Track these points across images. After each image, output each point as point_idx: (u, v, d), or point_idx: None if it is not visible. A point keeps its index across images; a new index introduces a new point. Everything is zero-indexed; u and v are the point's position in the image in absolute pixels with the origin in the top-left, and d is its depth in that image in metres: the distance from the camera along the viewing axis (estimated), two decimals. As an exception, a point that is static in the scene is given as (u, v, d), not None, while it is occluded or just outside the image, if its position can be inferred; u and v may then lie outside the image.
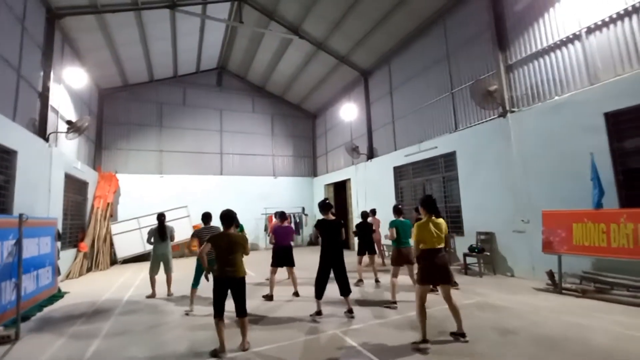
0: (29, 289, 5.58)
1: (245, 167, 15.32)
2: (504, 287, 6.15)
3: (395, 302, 5.07)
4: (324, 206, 4.97)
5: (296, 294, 5.94)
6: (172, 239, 6.59)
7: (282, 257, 6.06)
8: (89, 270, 9.75)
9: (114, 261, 11.11)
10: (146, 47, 11.20)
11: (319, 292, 4.67)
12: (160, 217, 6.55)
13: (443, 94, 9.14)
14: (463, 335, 3.61)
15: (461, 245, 8.03)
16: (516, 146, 6.97)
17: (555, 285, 5.72)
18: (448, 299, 3.71)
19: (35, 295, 5.76)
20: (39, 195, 7.25)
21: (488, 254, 7.27)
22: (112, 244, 11.14)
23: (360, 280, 6.81)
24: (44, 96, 7.68)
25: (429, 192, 9.63)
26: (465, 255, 7.43)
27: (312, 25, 11.16)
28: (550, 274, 5.85)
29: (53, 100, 8.19)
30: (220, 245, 3.71)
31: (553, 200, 6.19)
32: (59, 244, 7.46)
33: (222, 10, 11.04)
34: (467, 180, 8.16)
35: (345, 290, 4.74)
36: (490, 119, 7.65)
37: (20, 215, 4.44)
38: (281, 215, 6.38)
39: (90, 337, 4.21)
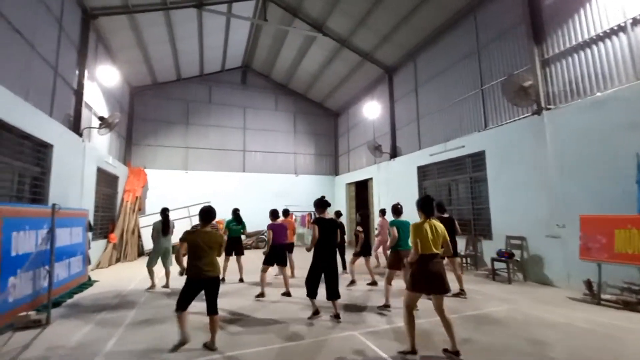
0: (61, 276, 5.87)
1: (267, 164, 15.46)
2: (535, 295, 5.78)
3: (388, 306, 4.87)
4: (320, 204, 4.66)
5: (288, 294, 5.74)
6: (173, 234, 6.68)
7: (277, 255, 5.85)
8: (117, 260, 10.16)
9: (141, 253, 11.53)
10: (174, 46, 11.51)
11: (311, 290, 4.47)
12: (165, 212, 6.63)
13: (472, 90, 8.75)
14: (457, 353, 3.18)
15: (489, 249, 7.66)
16: (552, 146, 6.54)
17: (593, 295, 5.31)
18: (440, 311, 3.33)
19: (66, 283, 6.05)
20: (73, 187, 7.61)
21: (518, 259, 6.88)
22: (139, 236, 11.58)
23: (353, 282, 6.58)
24: (78, 93, 8.05)
25: (455, 193, 9.28)
26: (493, 260, 7.07)
27: (336, 21, 11.04)
28: (588, 284, 5.44)
29: (87, 97, 8.57)
30: (196, 243, 3.53)
31: (592, 204, 5.74)
32: (90, 234, 7.83)
33: (247, 8, 11.16)
34: (496, 181, 7.77)
35: (334, 294, 4.47)
36: (524, 117, 7.23)
37: (53, 206, 4.65)
38: (273, 213, 6.17)
39: (115, 325, 4.33)
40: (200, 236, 3.57)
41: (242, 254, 7.23)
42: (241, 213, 7.44)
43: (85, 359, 3.35)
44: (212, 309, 3.56)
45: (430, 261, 3.31)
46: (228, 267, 7.19)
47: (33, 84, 6.18)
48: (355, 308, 5.06)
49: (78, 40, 8.14)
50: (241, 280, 7.01)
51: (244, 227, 7.41)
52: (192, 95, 14.53)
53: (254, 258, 8.99)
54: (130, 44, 10.45)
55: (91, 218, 8.34)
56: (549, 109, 6.73)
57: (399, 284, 5.82)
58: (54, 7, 6.93)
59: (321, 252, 4.50)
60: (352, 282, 6.59)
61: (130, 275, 7.95)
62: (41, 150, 6.39)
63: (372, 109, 12.69)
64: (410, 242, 3.42)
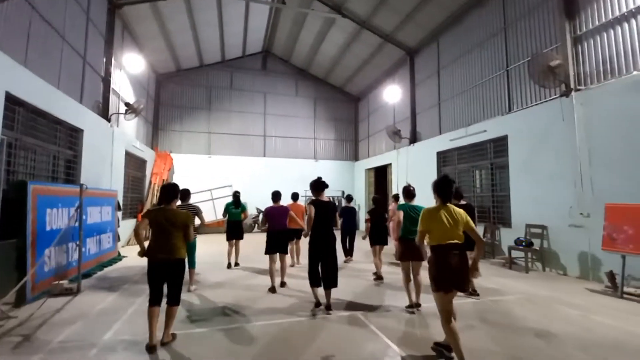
0: (92, 251, 6.40)
1: (287, 149, 15.64)
2: (552, 285, 5.58)
3: (412, 306, 4.22)
4: (316, 185, 4.29)
5: (283, 284, 5.30)
6: None
7: (275, 242, 5.28)
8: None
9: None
10: (196, 33, 11.75)
11: (313, 280, 4.18)
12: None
13: (497, 72, 8.29)
14: (449, 349, 2.84)
15: (507, 237, 7.41)
16: (581, 129, 6.11)
17: (616, 288, 5.05)
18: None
19: (97, 257, 6.60)
20: (103, 170, 8.15)
21: (537, 248, 6.63)
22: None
23: (380, 277, 5.83)
24: (106, 80, 8.50)
25: (476, 179, 8.97)
26: (510, 248, 6.86)
27: (356, 1, 10.73)
28: (611, 276, 5.18)
29: (115, 84, 9.03)
30: (156, 222, 3.20)
31: (623, 195, 5.32)
32: (119, 213, 8.39)
33: (266, -8, 11.11)
34: (519, 167, 7.42)
35: (330, 282, 4.12)
36: (551, 99, 6.78)
37: (81, 186, 5.04)
38: (275, 195, 5.59)
39: (136, 295, 4.72)
40: (164, 213, 3.24)
41: (242, 238, 7.01)
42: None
43: (108, 322, 3.71)
44: (172, 299, 3.18)
45: (448, 253, 2.79)
46: (232, 252, 6.93)
47: (64, 73, 6.60)
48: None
49: (105, 29, 8.52)
50: (237, 264, 6.90)
51: (243, 210, 7.12)
52: (214, 81, 14.85)
53: (251, 240, 8.68)
54: (155, 32, 10.78)
55: (121, 199, 8.91)
56: (579, 90, 6.27)
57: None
58: (81, -3, 7.27)
59: (316, 238, 4.16)
60: (379, 278, 5.84)
61: (155, 253, 8.47)
62: (73, 135, 6.88)
63: (392, 93, 12.38)
64: (418, 229, 2.96)
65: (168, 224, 3.19)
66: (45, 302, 4.13)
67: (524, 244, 6.60)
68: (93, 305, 4.30)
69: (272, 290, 5.05)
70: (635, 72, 5.45)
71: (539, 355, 3.04)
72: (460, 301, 4.56)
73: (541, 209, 6.78)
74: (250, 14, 12.00)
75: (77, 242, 5.10)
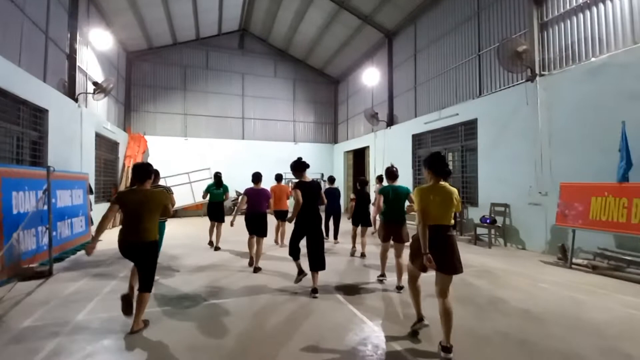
0: (64, 234, 6.29)
1: (266, 132, 15.52)
2: (510, 258, 6.04)
3: (383, 275, 4.57)
4: (298, 166, 4.17)
5: (256, 269, 5.12)
6: None
7: (255, 224, 5.24)
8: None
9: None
10: (168, 8, 11.21)
11: (292, 251, 4.15)
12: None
13: (469, 56, 8.50)
14: (447, 350, 2.50)
15: (474, 216, 7.85)
16: (543, 114, 6.46)
17: (566, 259, 5.53)
18: (442, 294, 2.66)
19: (70, 240, 6.49)
20: (72, 152, 7.87)
21: (500, 225, 7.08)
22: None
23: (352, 255, 6.27)
24: (71, 58, 8.07)
25: (449, 162, 9.32)
26: (475, 225, 7.29)
27: (334, -19, 10.55)
28: (562, 248, 5.66)
29: (81, 62, 8.59)
30: (127, 203, 3.00)
31: (579, 175, 5.72)
32: (91, 196, 8.20)
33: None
34: (486, 149, 7.77)
35: (317, 264, 4.01)
36: (517, 84, 7.08)
37: (48, 168, 4.91)
38: (255, 177, 5.52)
39: (110, 277, 4.74)
40: (136, 195, 3.05)
41: (223, 220, 6.76)
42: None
43: (81, 303, 3.75)
44: (142, 285, 3.04)
45: (436, 235, 2.66)
46: (213, 231, 6.84)
47: (24, 49, 6.23)
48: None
49: (68, 2, 8.01)
50: (217, 248, 6.69)
51: (225, 191, 6.98)
52: (189, 60, 14.34)
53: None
54: (123, 7, 10.21)
55: (92, 182, 8.68)
56: (543, 75, 6.57)
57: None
58: (39, -33, 6.78)
59: (303, 220, 4.07)
60: (352, 255, 6.30)
61: (131, 236, 8.38)
62: (37, 115, 6.58)
63: (371, 76, 12.43)
64: (418, 208, 2.76)
65: (140, 206, 3.00)
66: (15, 285, 4.11)
67: (488, 221, 7.03)
68: (66, 287, 4.30)
69: (251, 261, 5.34)
70: (593, 59, 5.77)
71: (486, 319, 3.34)
72: (424, 274, 4.86)
73: (505, 188, 7.19)
74: (225, -10, 11.56)
75: (47, 226, 5.01)
